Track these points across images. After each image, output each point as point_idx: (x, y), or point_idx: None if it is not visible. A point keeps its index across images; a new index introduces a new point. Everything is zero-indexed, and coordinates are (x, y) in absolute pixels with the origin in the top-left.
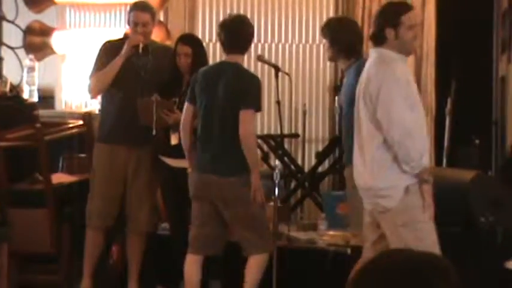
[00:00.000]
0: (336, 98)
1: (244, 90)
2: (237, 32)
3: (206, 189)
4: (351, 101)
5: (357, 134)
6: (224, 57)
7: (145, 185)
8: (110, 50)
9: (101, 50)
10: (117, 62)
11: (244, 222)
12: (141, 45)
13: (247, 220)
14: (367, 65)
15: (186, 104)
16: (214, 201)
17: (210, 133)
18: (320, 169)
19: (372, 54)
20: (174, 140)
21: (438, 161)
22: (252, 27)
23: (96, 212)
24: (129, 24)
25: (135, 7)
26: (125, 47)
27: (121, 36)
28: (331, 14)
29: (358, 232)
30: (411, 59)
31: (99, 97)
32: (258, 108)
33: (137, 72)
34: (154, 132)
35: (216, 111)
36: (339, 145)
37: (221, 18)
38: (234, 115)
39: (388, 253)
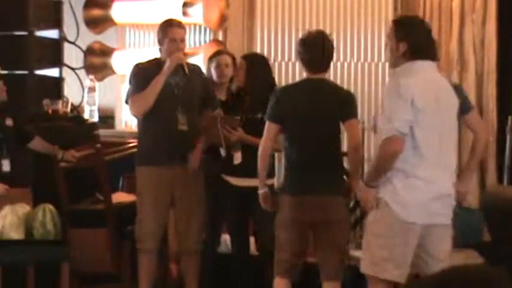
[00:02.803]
0: None
1: (347, 102)
2: (329, 51)
3: (312, 211)
4: None
5: (437, 140)
6: (305, 75)
7: (193, 204)
8: (143, 71)
9: (134, 72)
10: (160, 80)
11: (338, 246)
12: (185, 65)
13: (342, 243)
14: (433, 74)
15: (269, 123)
16: (316, 223)
17: (311, 151)
18: None
19: (430, 65)
20: (237, 159)
21: (499, 180)
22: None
23: (147, 235)
24: (162, 42)
25: (171, 24)
26: (167, 64)
27: (150, 59)
28: (383, 32)
29: None
30: (471, 77)
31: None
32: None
33: (172, 90)
34: (223, 148)
35: (317, 128)
36: None
37: (279, 38)
38: (335, 130)
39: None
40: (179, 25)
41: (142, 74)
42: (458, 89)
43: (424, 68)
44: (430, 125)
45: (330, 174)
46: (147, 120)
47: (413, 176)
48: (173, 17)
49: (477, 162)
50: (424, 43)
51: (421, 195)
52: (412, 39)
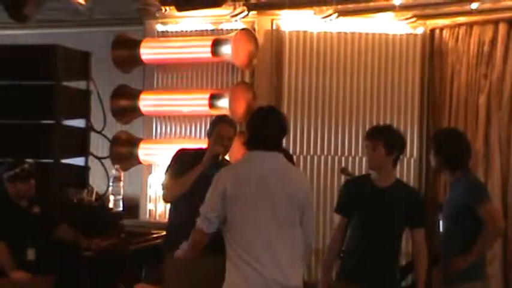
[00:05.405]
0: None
1: None
2: None
3: None
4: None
5: (264, 228)
6: None
7: None
8: (185, 158)
9: (176, 158)
10: (198, 169)
11: None
12: (220, 157)
13: None
14: (264, 163)
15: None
16: None
17: None
18: None
19: (264, 154)
20: None
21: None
22: None
23: None
24: (210, 135)
25: (223, 121)
26: (206, 155)
27: (195, 147)
28: (409, 127)
29: None
30: (497, 175)
31: None
32: None
33: (207, 181)
34: None
35: None
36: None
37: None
38: None
39: None
40: (230, 123)
41: (183, 161)
42: (468, 188)
43: (255, 157)
44: (250, 213)
45: None
46: (179, 208)
47: (244, 264)
48: (227, 114)
49: (479, 251)
50: (260, 135)
51: (252, 282)
52: (248, 130)
